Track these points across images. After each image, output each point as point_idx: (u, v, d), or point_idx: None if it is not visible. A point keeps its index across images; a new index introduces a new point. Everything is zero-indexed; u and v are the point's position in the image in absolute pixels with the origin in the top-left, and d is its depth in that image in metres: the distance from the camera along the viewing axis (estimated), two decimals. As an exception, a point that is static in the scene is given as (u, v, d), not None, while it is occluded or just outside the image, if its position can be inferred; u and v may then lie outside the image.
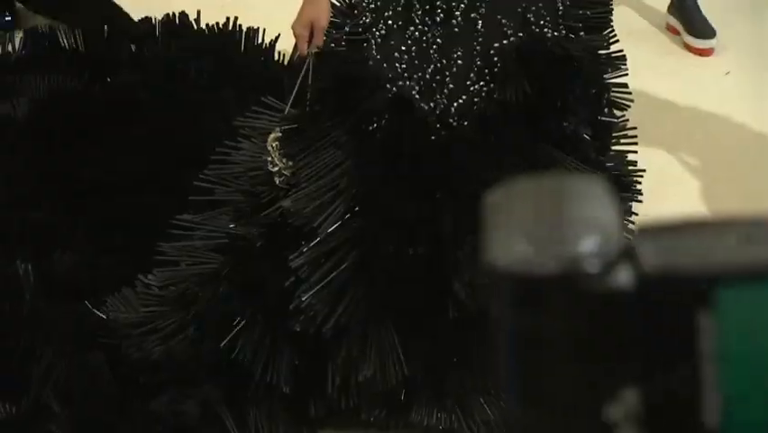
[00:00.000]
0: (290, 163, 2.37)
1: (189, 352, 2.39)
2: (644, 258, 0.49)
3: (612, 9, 2.41)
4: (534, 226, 0.50)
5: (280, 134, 2.41)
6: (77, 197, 2.75)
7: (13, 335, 2.40)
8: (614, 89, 2.42)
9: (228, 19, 2.96)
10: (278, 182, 2.40)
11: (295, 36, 2.45)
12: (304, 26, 2.42)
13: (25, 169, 2.80)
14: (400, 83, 2.30)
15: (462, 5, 2.30)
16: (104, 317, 2.45)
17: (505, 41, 2.31)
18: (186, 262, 2.44)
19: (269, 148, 2.43)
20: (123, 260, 2.58)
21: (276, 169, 2.41)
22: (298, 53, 2.50)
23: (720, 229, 0.50)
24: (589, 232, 0.49)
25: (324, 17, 2.42)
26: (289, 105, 2.45)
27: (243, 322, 2.33)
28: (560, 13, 2.35)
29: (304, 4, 2.44)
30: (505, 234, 0.50)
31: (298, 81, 2.41)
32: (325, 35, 2.41)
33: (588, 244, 0.49)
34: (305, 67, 2.43)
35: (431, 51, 2.32)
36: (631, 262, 0.49)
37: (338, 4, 2.44)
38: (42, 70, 2.99)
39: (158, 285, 2.47)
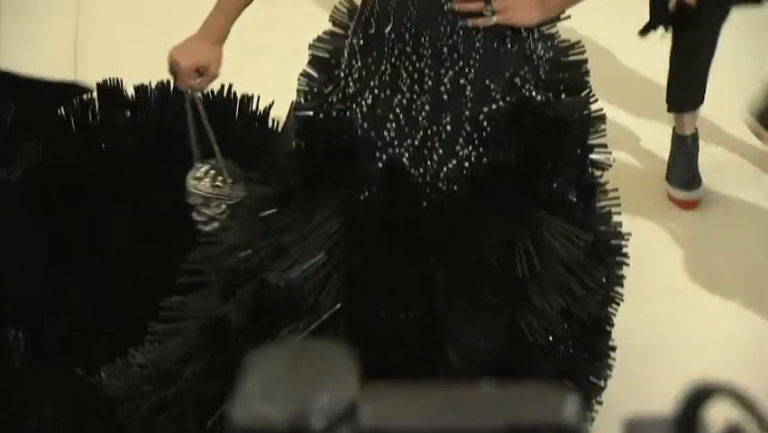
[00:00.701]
0: (220, 212, 2.46)
1: (172, 429, 2.41)
2: (364, 418, 0.59)
3: (589, 71, 2.48)
4: (275, 386, 0.60)
5: (202, 174, 2.51)
6: (71, 260, 2.78)
7: (5, 395, 2.41)
8: (595, 150, 2.48)
9: (222, 86, 3.02)
10: (204, 229, 2.49)
11: (175, 66, 2.48)
12: (191, 63, 2.46)
13: (18, 233, 2.83)
14: (390, 150, 2.35)
15: (451, 72, 2.36)
16: (98, 383, 2.48)
17: (494, 106, 2.36)
18: (173, 341, 2.48)
19: (194, 190, 2.53)
20: (118, 326, 2.61)
21: (202, 219, 2.49)
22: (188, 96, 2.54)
23: (429, 395, 0.61)
24: (321, 392, 0.59)
25: (216, 66, 2.48)
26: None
27: (226, 402, 2.35)
28: (542, 77, 2.41)
29: (196, 40, 2.48)
30: (249, 393, 0.61)
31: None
32: (309, 105, 2.45)
33: (319, 403, 0.59)
34: (187, 107, 2.51)
35: (420, 118, 2.37)
36: (352, 421, 0.59)
37: (316, 75, 2.49)
38: (37, 136, 3.04)
39: (144, 364, 2.50)
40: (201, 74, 2.49)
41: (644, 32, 3.49)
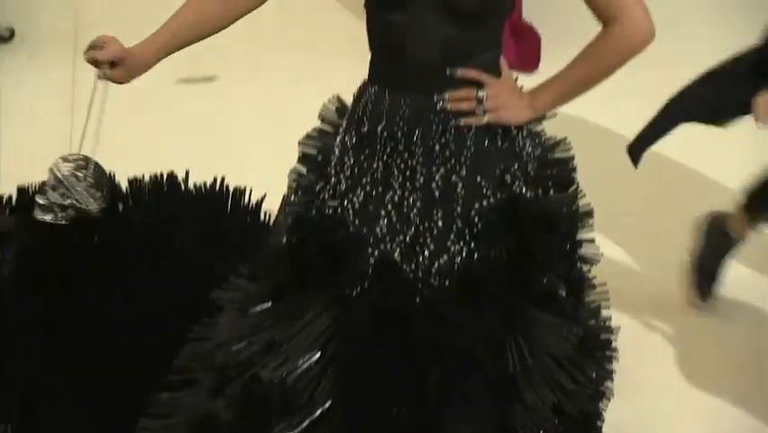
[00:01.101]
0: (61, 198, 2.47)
1: None
2: None
3: (575, 167, 2.51)
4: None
5: (71, 159, 2.51)
6: (61, 351, 2.78)
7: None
8: (583, 244, 2.50)
9: (215, 179, 3.04)
10: (39, 216, 2.48)
11: (99, 43, 2.47)
12: (115, 49, 2.47)
13: (8, 321, 2.83)
14: (382, 246, 2.37)
15: (442, 169, 2.39)
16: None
17: (485, 202, 2.39)
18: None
19: (54, 168, 2.51)
20: (108, 418, 2.60)
21: (44, 202, 2.49)
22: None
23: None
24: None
25: (134, 68, 2.49)
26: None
27: None
28: (531, 173, 2.45)
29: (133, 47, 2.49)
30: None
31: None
32: (300, 201, 2.48)
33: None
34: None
35: (411, 215, 2.39)
36: None
37: (306, 172, 2.52)
38: (30, 227, 3.05)
39: None
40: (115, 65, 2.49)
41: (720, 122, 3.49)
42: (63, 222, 2.63)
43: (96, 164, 2.62)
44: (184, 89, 4.71)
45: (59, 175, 2.55)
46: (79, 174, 2.57)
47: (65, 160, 2.57)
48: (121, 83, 2.50)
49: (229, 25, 2.57)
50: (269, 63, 4.85)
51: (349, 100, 2.53)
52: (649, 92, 4.46)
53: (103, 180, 2.61)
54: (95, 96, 2.48)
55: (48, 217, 2.58)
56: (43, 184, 2.59)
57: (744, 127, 3.37)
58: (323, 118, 2.57)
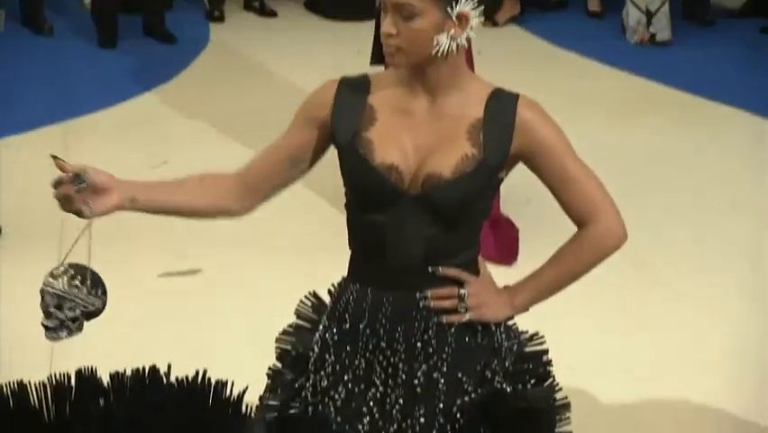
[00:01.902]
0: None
1: None
2: None
3: (551, 360, 2.54)
4: None
5: (60, 272, 2.40)
6: None
7: None
8: None
9: (197, 372, 3.04)
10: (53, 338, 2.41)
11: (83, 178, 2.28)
12: (103, 178, 2.31)
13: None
14: (364, 442, 2.38)
15: (424, 366, 2.42)
16: None
17: (466, 398, 2.41)
18: None
19: (49, 289, 2.38)
20: None
21: (53, 324, 2.42)
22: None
23: None
24: None
25: (117, 198, 2.33)
26: None
27: None
28: (509, 368, 2.48)
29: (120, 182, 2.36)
30: None
31: None
32: (279, 398, 2.48)
33: None
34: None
35: (394, 412, 2.40)
36: None
37: (283, 369, 2.53)
38: (8, 429, 3.03)
39: None
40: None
41: None
42: (79, 332, 2.57)
43: (81, 266, 2.55)
44: (167, 282, 4.75)
45: (60, 292, 2.48)
46: (76, 282, 2.50)
47: (54, 276, 2.47)
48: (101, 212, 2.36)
49: (218, 217, 2.57)
50: (250, 256, 4.90)
51: (326, 295, 2.57)
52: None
53: (95, 277, 2.54)
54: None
55: (64, 334, 2.53)
56: (46, 308, 2.52)
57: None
58: (299, 314, 2.60)
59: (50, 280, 2.45)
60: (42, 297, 2.45)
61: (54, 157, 2.31)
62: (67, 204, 2.30)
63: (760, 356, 4.26)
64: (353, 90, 2.42)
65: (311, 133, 2.44)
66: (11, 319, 4.46)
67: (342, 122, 2.40)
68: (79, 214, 2.33)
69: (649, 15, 7.44)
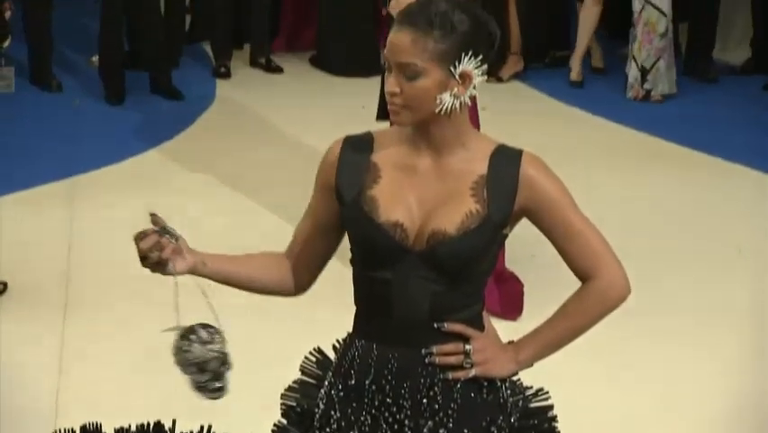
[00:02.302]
0: None
1: None
2: None
3: (555, 416, 2.55)
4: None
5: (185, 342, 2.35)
6: None
7: None
8: None
9: (202, 427, 3.05)
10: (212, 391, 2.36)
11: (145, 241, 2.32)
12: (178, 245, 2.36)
13: None
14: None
15: (430, 423, 2.42)
16: None
17: (472, 454, 2.42)
18: None
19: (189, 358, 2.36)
20: None
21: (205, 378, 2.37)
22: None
23: None
24: None
25: (191, 260, 2.38)
26: None
27: None
28: (515, 424, 2.48)
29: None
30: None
31: None
32: None
33: None
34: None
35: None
36: None
37: (289, 426, 2.54)
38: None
39: None
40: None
41: None
42: (229, 370, 2.53)
43: (186, 327, 2.49)
44: (170, 337, 4.75)
45: (199, 359, 2.44)
46: (209, 342, 2.46)
47: (181, 351, 2.43)
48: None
49: (278, 294, 2.59)
50: (255, 311, 4.91)
51: (331, 351, 2.58)
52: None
53: (202, 326, 2.49)
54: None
55: (224, 383, 2.49)
56: (202, 372, 2.46)
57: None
58: (304, 371, 2.61)
59: (183, 355, 2.43)
60: (190, 372, 2.43)
61: (152, 214, 2.38)
62: (150, 260, 2.36)
63: (762, 409, 4.26)
64: (357, 149, 2.45)
65: (329, 200, 2.46)
66: (14, 372, 4.47)
67: (347, 180, 2.42)
68: (162, 269, 2.38)
69: (644, 72, 7.50)
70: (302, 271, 2.55)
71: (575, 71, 7.88)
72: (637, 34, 7.44)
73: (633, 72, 7.53)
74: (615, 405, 4.25)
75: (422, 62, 2.31)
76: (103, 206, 5.83)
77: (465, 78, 2.36)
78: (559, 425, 2.55)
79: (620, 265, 2.44)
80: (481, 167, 2.40)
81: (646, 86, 7.50)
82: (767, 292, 5.08)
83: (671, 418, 4.20)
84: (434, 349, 2.42)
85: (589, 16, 7.69)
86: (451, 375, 2.43)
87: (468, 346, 2.43)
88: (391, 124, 2.62)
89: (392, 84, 2.34)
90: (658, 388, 4.37)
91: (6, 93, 7.24)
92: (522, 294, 4.82)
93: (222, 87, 7.82)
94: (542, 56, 8.17)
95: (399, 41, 2.32)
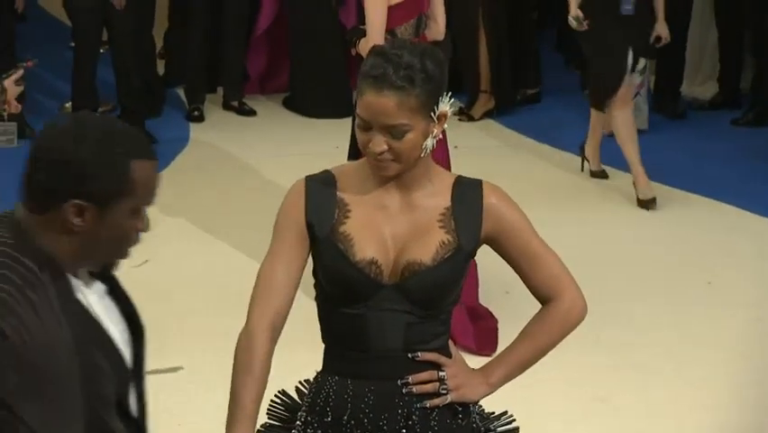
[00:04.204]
0: None
1: None
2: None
3: None
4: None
5: None
6: None
7: None
8: None
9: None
10: None
11: None
12: None
13: None
14: None
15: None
16: None
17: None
18: None
19: None
20: None
21: None
22: None
23: None
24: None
25: None
26: None
27: None
28: None
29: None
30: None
31: None
32: None
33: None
34: None
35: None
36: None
37: None
38: None
39: None
40: None
41: None
42: None
43: None
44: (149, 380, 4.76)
45: None
46: None
47: None
48: None
49: None
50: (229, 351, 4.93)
51: (294, 393, 2.59)
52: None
53: None
54: None
55: None
56: None
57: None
58: (271, 415, 2.62)
59: None
60: None
61: None
62: None
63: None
64: (321, 186, 2.49)
65: (301, 239, 2.47)
66: None
67: (317, 217, 2.46)
68: None
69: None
70: (280, 324, 2.51)
71: (594, 162, 6.76)
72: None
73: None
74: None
75: (408, 120, 2.37)
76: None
77: (442, 117, 2.42)
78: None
79: (578, 287, 2.54)
80: (445, 199, 2.47)
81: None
82: (737, 325, 5.13)
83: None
84: (410, 379, 2.47)
85: (620, 123, 6.45)
86: (428, 403, 2.48)
87: (441, 373, 2.49)
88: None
89: (379, 144, 2.38)
90: (633, 422, 4.40)
91: (7, 147, 7.26)
92: (496, 330, 4.85)
93: (195, 130, 7.85)
94: (512, 94, 8.23)
95: (382, 105, 2.35)
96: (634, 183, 6.39)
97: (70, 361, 1.96)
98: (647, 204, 6.33)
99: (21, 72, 4.59)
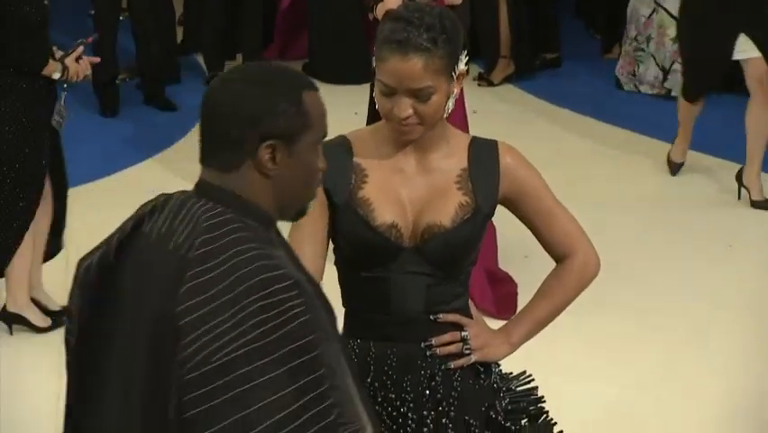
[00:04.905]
0: None
1: None
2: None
3: (542, 397, 2.65)
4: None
5: None
6: None
7: None
8: None
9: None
10: None
11: None
12: None
13: None
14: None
15: (433, 413, 2.50)
16: None
17: (475, 439, 2.48)
18: None
19: None
20: None
21: None
22: None
23: None
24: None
25: None
26: None
27: None
28: (508, 407, 2.58)
29: None
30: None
31: None
32: None
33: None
34: None
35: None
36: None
37: None
38: None
39: None
40: None
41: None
42: None
43: None
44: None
45: None
46: None
47: None
48: None
49: None
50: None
51: None
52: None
53: None
54: None
55: None
56: None
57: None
58: None
59: None
60: None
61: None
62: None
63: (758, 411, 4.30)
64: (337, 152, 2.49)
65: (319, 210, 2.47)
66: (15, 376, 4.50)
67: (335, 182, 2.47)
68: None
69: (664, 71, 7.51)
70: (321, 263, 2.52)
71: (755, 190, 5.93)
72: (653, 35, 7.45)
73: (652, 71, 7.52)
74: (610, 401, 4.29)
75: (433, 82, 2.38)
76: (96, 217, 5.86)
77: (460, 76, 2.44)
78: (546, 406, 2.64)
79: (591, 243, 2.58)
80: (461, 160, 2.48)
81: (667, 84, 7.51)
82: (760, 288, 5.12)
83: (667, 413, 4.25)
84: (434, 341, 2.49)
85: (759, 122, 5.94)
86: (453, 364, 2.51)
87: (464, 334, 2.51)
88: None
89: (405, 108, 2.39)
90: (653, 385, 4.41)
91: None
92: (516, 294, 4.87)
93: (215, 97, 7.84)
94: (532, 59, 8.21)
95: (409, 69, 2.36)
96: (746, 183, 5.93)
97: None
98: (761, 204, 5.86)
99: (81, 49, 4.63)
